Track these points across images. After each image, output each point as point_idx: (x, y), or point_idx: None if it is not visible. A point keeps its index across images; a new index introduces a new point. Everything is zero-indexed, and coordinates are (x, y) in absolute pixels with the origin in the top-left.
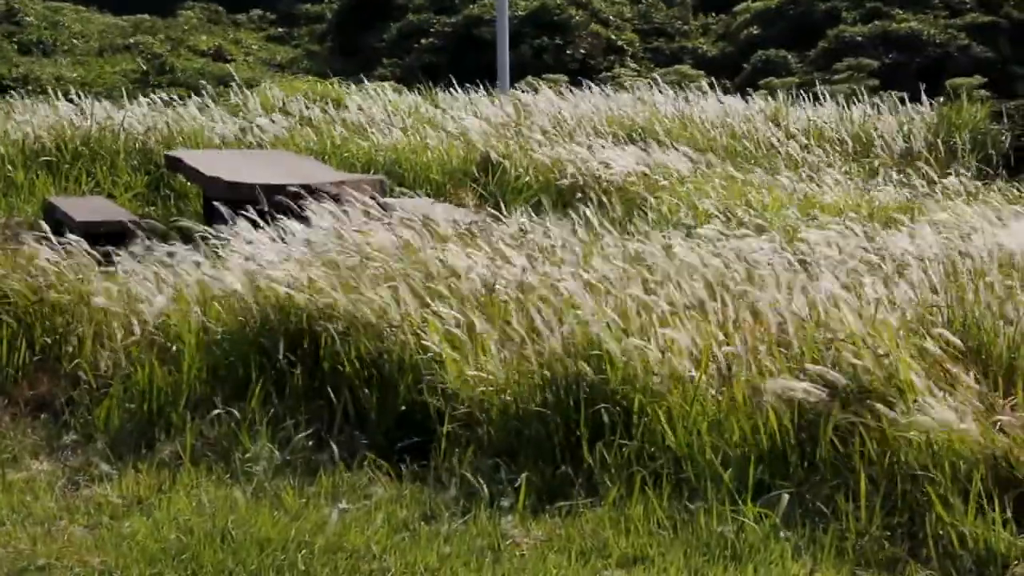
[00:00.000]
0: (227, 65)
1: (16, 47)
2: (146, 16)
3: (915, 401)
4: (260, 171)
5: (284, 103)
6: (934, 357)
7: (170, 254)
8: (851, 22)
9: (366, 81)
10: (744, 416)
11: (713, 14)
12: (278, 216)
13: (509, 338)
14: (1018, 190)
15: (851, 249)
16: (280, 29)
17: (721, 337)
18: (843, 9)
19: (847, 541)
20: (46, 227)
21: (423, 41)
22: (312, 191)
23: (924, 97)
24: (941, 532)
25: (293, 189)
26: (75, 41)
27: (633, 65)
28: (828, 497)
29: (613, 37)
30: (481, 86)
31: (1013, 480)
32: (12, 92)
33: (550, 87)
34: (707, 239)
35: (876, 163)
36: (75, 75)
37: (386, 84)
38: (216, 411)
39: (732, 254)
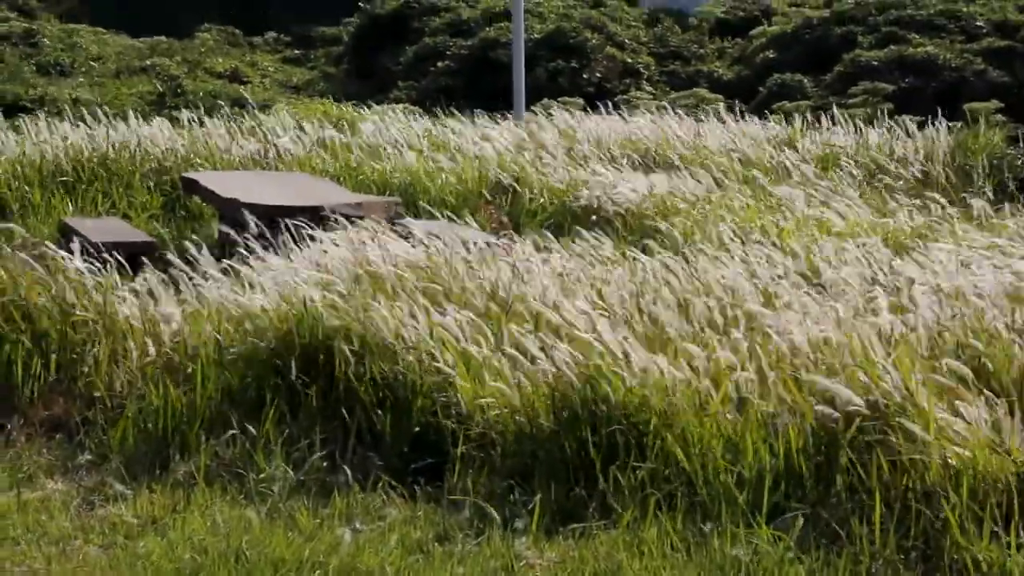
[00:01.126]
0: (243, 87)
1: (34, 68)
2: (163, 38)
3: (931, 423)
4: (276, 192)
5: (300, 125)
6: (948, 380)
7: (185, 275)
8: (867, 46)
9: (382, 103)
10: (760, 438)
11: (729, 38)
12: (294, 237)
13: (523, 360)
14: None
15: (866, 275)
16: (296, 51)
17: (736, 359)
18: (859, 33)
19: (861, 564)
20: (67, 248)
21: (439, 64)
22: (328, 212)
23: (941, 121)
24: (956, 556)
25: (309, 210)
26: (92, 63)
27: (649, 88)
28: (843, 519)
29: (629, 60)
30: (497, 109)
31: None
32: (30, 113)
33: (565, 110)
34: (721, 262)
35: (892, 188)
36: (92, 96)
37: (401, 107)
38: (231, 432)
39: (748, 278)
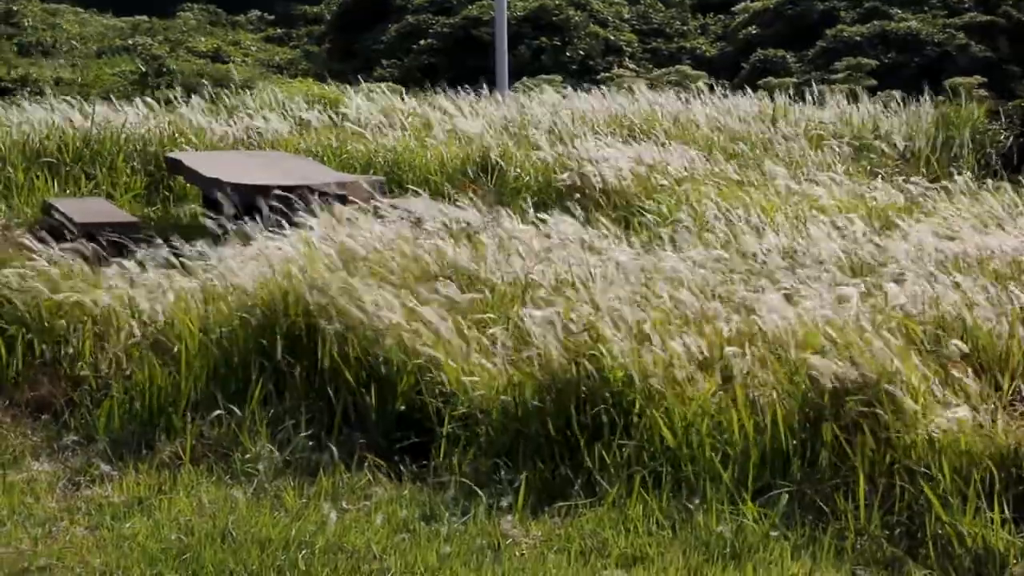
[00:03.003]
0: (226, 66)
1: (15, 48)
2: (145, 18)
3: (919, 400)
4: (259, 172)
5: (283, 104)
6: (935, 358)
7: (169, 255)
8: (849, 22)
9: (365, 82)
10: (745, 415)
11: (711, 14)
12: (278, 216)
13: (509, 339)
14: (1017, 190)
15: (853, 251)
16: (278, 30)
17: (724, 336)
18: (841, 9)
19: (846, 540)
20: (51, 227)
21: (422, 42)
22: (312, 192)
23: (924, 97)
24: (940, 531)
25: (293, 190)
26: (74, 43)
27: (632, 65)
28: (828, 496)
29: (612, 38)
30: (480, 87)
31: (1013, 478)
32: (11, 93)
33: (549, 88)
34: (707, 240)
35: (876, 163)
36: (74, 76)
37: (384, 85)
38: (216, 412)
39: (733, 254)
